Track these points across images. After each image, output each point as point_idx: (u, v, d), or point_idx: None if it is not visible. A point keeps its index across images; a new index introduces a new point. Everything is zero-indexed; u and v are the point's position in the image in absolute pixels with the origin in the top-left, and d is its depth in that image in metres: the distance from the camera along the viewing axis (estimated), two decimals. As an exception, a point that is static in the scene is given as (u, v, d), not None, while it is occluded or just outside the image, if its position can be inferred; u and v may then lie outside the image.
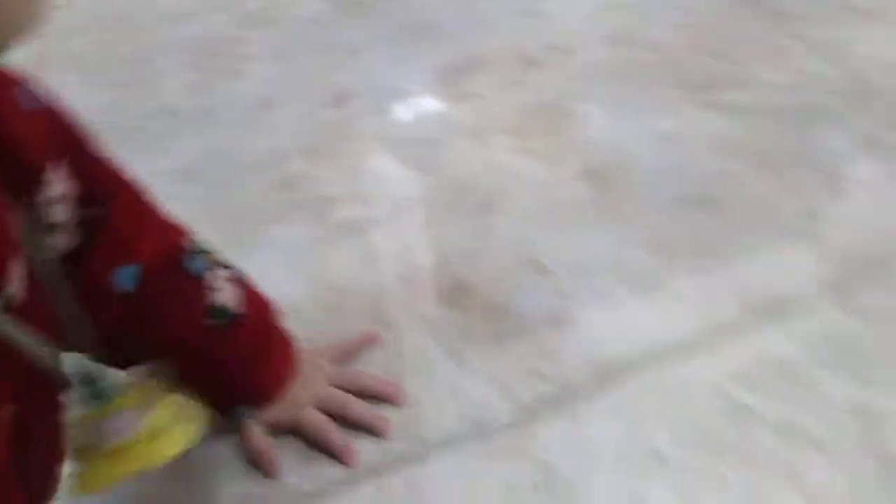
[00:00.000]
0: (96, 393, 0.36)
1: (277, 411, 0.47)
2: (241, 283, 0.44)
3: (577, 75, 0.74)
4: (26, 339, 0.32)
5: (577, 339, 0.51)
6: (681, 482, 0.43)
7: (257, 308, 0.45)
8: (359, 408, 0.48)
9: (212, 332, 0.42)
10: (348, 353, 0.51)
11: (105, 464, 0.37)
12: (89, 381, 0.36)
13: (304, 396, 0.47)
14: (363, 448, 0.46)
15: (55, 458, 0.36)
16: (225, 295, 0.42)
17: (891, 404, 0.45)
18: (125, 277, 0.40)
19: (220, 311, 0.42)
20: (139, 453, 0.37)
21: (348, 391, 0.48)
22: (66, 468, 0.37)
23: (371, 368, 0.51)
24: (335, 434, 0.46)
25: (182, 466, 0.44)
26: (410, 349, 0.52)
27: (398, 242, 0.59)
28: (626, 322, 0.51)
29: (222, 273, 0.43)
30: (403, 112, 0.72)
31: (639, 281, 0.54)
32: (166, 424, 0.39)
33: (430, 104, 0.73)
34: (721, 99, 0.68)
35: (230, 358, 0.44)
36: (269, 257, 0.58)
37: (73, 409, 0.36)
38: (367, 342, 0.52)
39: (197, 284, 0.42)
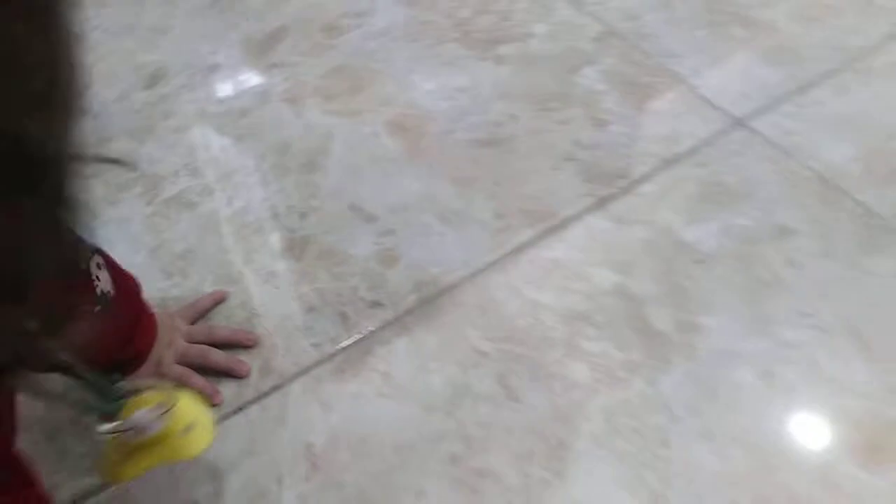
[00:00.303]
0: (112, 398, 0.39)
1: (145, 372, 0.52)
2: (108, 263, 0.47)
3: (375, 38, 0.81)
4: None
5: (403, 269, 0.60)
6: (497, 369, 0.53)
7: (125, 285, 0.49)
8: (216, 356, 0.54)
9: (96, 317, 0.45)
10: (200, 312, 0.57)
11: (142, 456, 0.39)
12: (102, 391, 0.39)
13: (167, 355, 0.52)
14: (227, 390, 0.53)
15: None
16: (103, 282, 0.45)
17: (647, 288, 0.58)
18: None
19: (103, 299, 0.45)
20: (176, 445, 0.40)
21: (204, 344, 0.54)
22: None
23: (225, 321, 0.57)
24: (196, 378, 0.52)
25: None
26: (259, 299, 0.58)
27: (233, 207, 0.65)
28: (441, 249, 0.61)
29: (96, 259, 0.45)
30: (219, 85, 0.76)
31: (448, 213, 0.63)
32: (194, 418, 0.41)
33: (243, 75, 0.78)
34: (500, 52, 0.79)
35: (108, 335, 0.48)
36: (111, 236, 0.61)
37: (100, 420, 0.38)
38: (216, 300, 0.58)
39: (88, 278, 0.44)
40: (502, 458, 0.49)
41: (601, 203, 0.64)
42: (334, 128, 0.71)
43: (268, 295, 0.59)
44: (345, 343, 0.55)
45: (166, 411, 0.39)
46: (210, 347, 0.54)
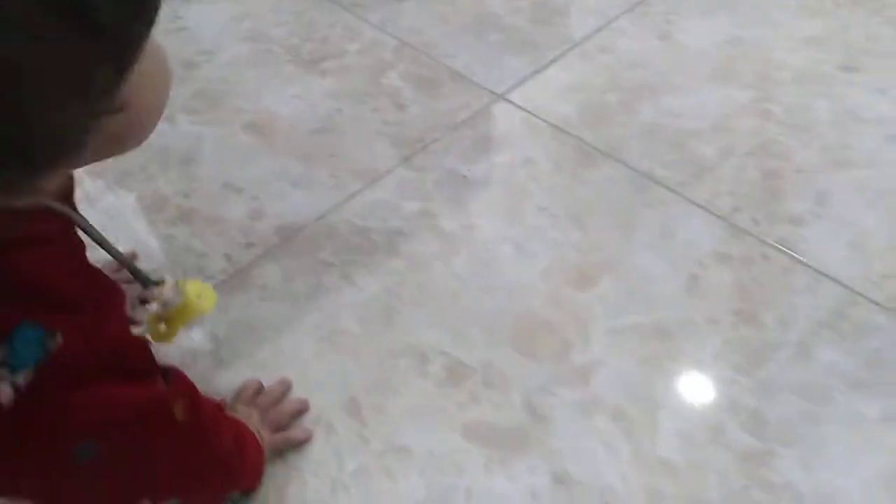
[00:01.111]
0: (147, 281, 0.52)
1: None
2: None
3: (225, 68, 1.02)
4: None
5: (268, 220, 0.81)
6: (341, 272, 0.76)
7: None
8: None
9: None
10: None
11: (177, 319, 0.54)
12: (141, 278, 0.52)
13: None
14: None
15: None
16: None
17: (438, 207, 0.82)
18: None
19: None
20: (195, 307, 0.54)
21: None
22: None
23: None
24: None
25: None
26: (161, 256, 0.78)
27: (130, 198, 0.84)
28: (295, 204, 0.83)
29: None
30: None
31: (297, 180, 0.86)
32: (200, 289, 0.55)
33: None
34: (324, 67, 1.02)
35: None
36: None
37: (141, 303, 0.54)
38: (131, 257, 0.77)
39: None
40: (350, 320, 0.71)
41: (406, 159, 0.88)
42: (202, 133, 0.91)
43: (169, 252, 0.78)
44: (231, 272, 0.76)
45: (181, 288, 0.54)
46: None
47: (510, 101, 0.97)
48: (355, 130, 0.92)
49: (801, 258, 0.78)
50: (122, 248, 0.79)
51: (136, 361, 0.43)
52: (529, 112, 0.95)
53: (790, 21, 1.10)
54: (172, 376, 0.48)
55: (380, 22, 1.10)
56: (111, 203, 0.83)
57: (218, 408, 0.58)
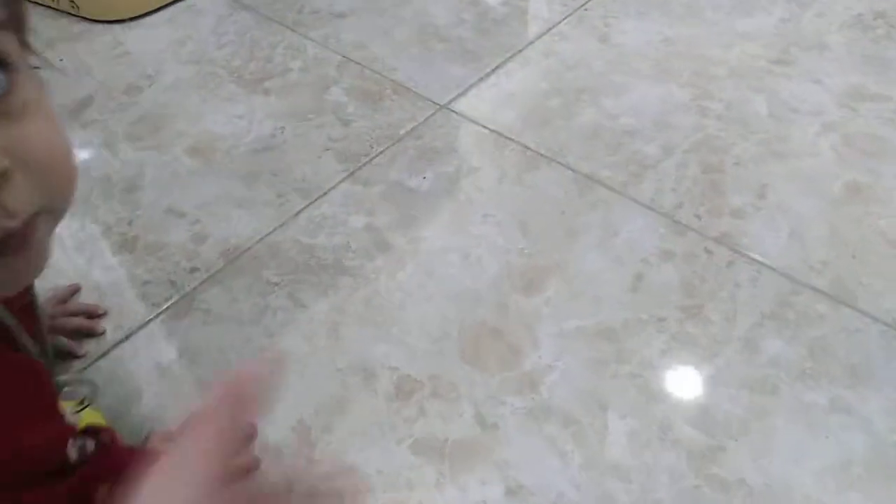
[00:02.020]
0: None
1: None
2: None
3: (168, 91, 0.98)
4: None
5: (211, 244, 0.78)
6: (287, 291, 0.73)
7: None
8: (75, 321, 0.69)
9: None
10: (61, 299, 0.72)
11: None
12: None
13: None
14: (90, 346, 0.68)
15: None
16: None
17: (385, 220, 0.80)
18: None
19: None
20: None
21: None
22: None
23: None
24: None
25: None
26: (105, 286, 0.74)
27: (71, 228, 0.80)
28: (238, 226, 0.79)
29: None
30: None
31: (240, 201, 0.82)
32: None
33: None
34: (267, 86, 0.99)
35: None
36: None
37: None
38: (72, 290, 0.73)
39: None
40: (297, 340, 0.68)
41: (352, 174, 0.85)
42: (144, 160, 0.88)
43: (111, 281, 0.74)
44: (175, 298, 0.72)
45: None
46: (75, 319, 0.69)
47: (454, 111, 0.94)
48: (299, 148, 0.89)
49: (744, 251, 0.76)
50: (65, 281, 0.75)
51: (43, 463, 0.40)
52: (473, 121, 0.93)
53: (723, 19, 1.09)
54: (100, 457, 0.44)
55: (322, 38, 1.07)
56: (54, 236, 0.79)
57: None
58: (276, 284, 0.73)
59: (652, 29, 1.07)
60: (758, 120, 0.92)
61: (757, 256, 0.75)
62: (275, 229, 0.79)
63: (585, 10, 1.12)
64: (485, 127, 0.92)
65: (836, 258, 0.75)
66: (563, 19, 1.10)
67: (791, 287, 0.72)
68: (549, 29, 1.08)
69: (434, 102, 0.95)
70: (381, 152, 0.88)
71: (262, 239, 0.78)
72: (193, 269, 0.75)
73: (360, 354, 0.68)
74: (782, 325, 0.69)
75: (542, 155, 0.87)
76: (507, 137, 0.90)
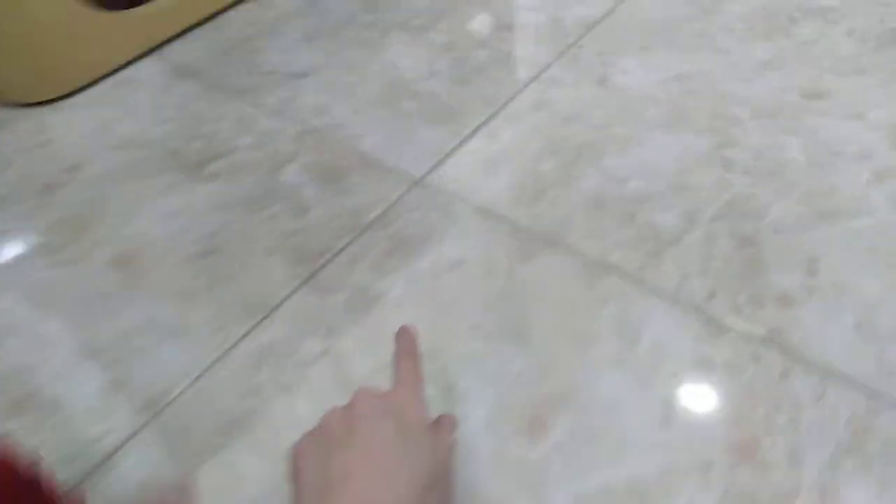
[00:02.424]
0: None
1: None
2: None
3: (93, 185, 0.83)
4: None
5: (131, 392, 0.62)
6: (226, 457, 0.57)
7: None
8: None
9: None
10: None
11: None
12: None
13: None
14: None
15: None
16: None
17: (346, 345, 0.64)
18: None
19: None
20: None
21: None
22: None
23: None
24: None
25: None
26: None
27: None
28: (167, 362, 0.64)
29: None
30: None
31: (168, 330, 0.66)
32: None
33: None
34: (211, 170, 0.84)
35: None
36: None
37: None
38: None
39: None
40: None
41: (307, 280, 0.70)
42: (54, 281, 0.72)
43: None
44: (78, 476, 0.57)
45: None
46: None
47: (430, 186, 0.79)
48: (245, 249, 0.74)
49: (801, 353, 0.60)
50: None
51: None
52: (453, 195, 0.77)
53: (737, 45, 0.94)
54: None
55: (277, 105, 0.92)
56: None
57: None
58: (211, 444, 0.58)
59: (658, 65, 0.91)
60: (795, 170, 0.76)
61: (818, 360, 0.59)
62: (209, 367, 0.63)
63: (579, 46, 0.97)
64: (468, 202, 0.76)
65: (922, 357, 0.59)
66: (554, 61, 0.94)
67: (867, 404, 0.56)
68: (538, 74, 0.92)
69: (407, 176, 0.80)
70: (344, 248, 0.73)
71: (193, 382, 0.62)
72: (108, 433, 0.59)
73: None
74: (865, 463, 0.52)
75: (538, 236, 0.72)
76: (495, 215, 0.74)
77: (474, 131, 0.85)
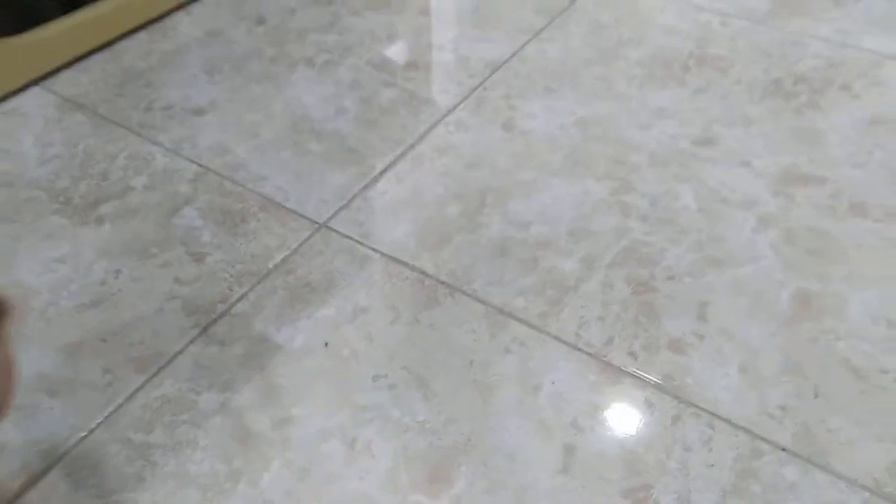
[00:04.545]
0: None
1: None
2: None
3: (-27, 226, 0.80)
4: None
5: (14, 452, 0.60)
6: (115, 520, 0.55)
7: None
8: None
9: None
10: None
11: None
12: None
13: None
14: None
15: None
16: None
17: (246, 398, 0.64)
18: None
19: None
20: None
21: None
22: None
23: None
24: None
25: None
26: None
27: None
28: (52, 422, 0.62)
29: None
30: None
31: (56, 386, 0.64)
32: None
33: None
34: (101, 212, 0.82)
35: None
36: None
37: None
38: None
39: None
40: None
41: (204, 330, 0.69)
42: (-71, 331, 0.69)
43: None
44: (-48, 550, 0.54)
45: None
46: None
47: (334, 230, 0.80)
48: (137, 298, 0.72)
49: (691, 399, 0.64)
50: None
51: None
52: (358, 241, 0.78)
53: (637, 93, 1.00)
54: None
55: (174, 143, 0.91)
56: None
57: None
58: (97, 512, 0.56)
59: (562, 109, 0.96)
60: (687, 217, 0.82)
61: (706, 405, 0.64)
62: (99, 424, 0.61)
63: (485, 88, 1.01)
64: (373, 249, 0.77)
65: (797, 400, 0.64)
66: (460, 103, 0.98)
67: (751, 445, 0.61)
68: (444, 116, 0.95)
69: (311, 220, 0.81)
70: (242, 296, 0.73)
71: (80, 441, 0.60)
72: (-19, 500, 0.57)
73: None
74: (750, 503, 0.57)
75: (442, 282, 0.74)
76: (400, 262, 0.76)
77: (380, 174, 0.87)
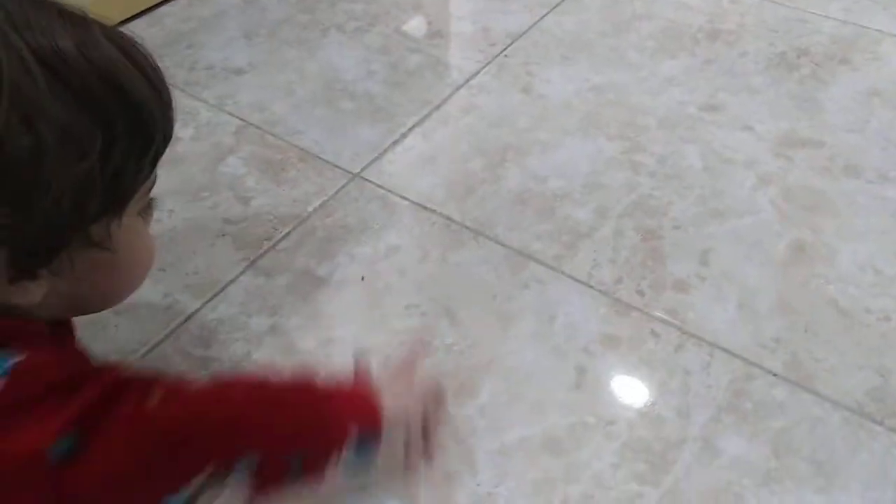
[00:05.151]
0: None
1: None
2: None
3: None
4: None
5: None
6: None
7: None
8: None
9: None
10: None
11: None
12: None
13: None
14: None
15: None
16: None
17: (294, 322, 0.71)
18: None
19: None
20: None
21: None
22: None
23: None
24: None
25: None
26: None
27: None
28: (120, 336, 0.69)
29: None
30: None
31: (122, 306, 0.71)
32: None
33: None
34: (153, 159, 0.88)
35: None
36: None
37: None
38: None
39: None
40: None
41: (252, 264, 0.76)
42: None
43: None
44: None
45: None
46: None
47: (367, 180, 0.86)
48: (191, 235, 0.79)
49: (692, 331, 0.71)
50: None
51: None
52: (389, 191, 0.85)
53: (648, 62, 1.06)
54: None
55: (217, 100, 0.98)
56: None
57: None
58: (165, 412, 0.64)
59: (577, 76, 1.03)
60: (692, 174, 0.88)
61: (706, 336, 0.71)
62: (161, 340, 0.69)
63: (505, 56, 1.07)
64: (403, 197, 0.84)
65: (789, 333, 0.71)
66: (483, 68, 1.04)
67: (745, 371, 0.68)
68: (468, 80, 1.02)
69: (345, 171, 0.88)
70: (285, 235, 0.80)
71: (146, 354, 0.68)
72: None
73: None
74: (741, 419, 0.64)
75: (467, 228, 0.81)
76: (428, 209, 0.83)
77: (408, 131, 0.93)
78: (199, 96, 0.98)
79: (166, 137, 0.43)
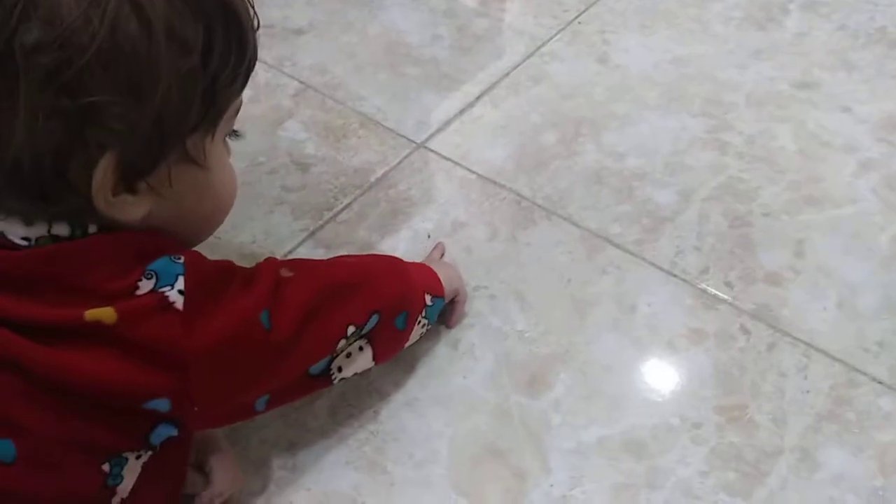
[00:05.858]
0: None
1: None
2: None
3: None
4: None
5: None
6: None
7: None
8: None
9: None
10: None
11: None
12: None
13: None
14: None
15: None
16: None
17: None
18: None
19: None
20: None
21: None
22: None
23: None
24: None
25: None
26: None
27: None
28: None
29: None
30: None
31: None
32: None
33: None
34: (209, 120, 0.85)
35: None
36: None
37: None
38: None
39: None
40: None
41: (312, 234, 0.72)
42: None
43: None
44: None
45: None
46: None
47: (432, 150, 0.81)
48: (249, 202, 0.75)
49: (787, 329, 0.65)
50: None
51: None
52: (456, 162, 0.80)
53: (734, 33, 0.98)
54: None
55: (276, 61, 0.93)
56: None
57: None
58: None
59: (657, 46, 0.95)
60: (785, 157, 0.81)
61: (802, 336, 0.64)
62: (217, 312, 0.65)
63: (579, 23, 1.00)
64: (470, 170, 0.79)
65: (894, 337, 0.64)
66: (555, 35, 0.97)
67: (847, 376, 0.61)
68: (539, 48, 0.95)
69: (409, 140, 0.82)
70: (347, 205, 0.75)
71: (200, 326, 0.64)
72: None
73: (328, 484, 0.55)
74: (843, 429, 0.58)
75: (539, 205, 0.75)
76: (497, 184, 0.77)
77: (476, 99, 0.88)
78: (258, 57, 0.93)
79: (254, 60, 0.45)
